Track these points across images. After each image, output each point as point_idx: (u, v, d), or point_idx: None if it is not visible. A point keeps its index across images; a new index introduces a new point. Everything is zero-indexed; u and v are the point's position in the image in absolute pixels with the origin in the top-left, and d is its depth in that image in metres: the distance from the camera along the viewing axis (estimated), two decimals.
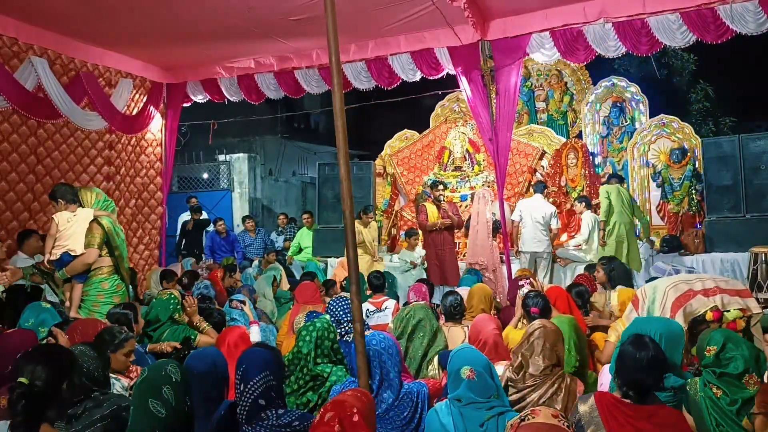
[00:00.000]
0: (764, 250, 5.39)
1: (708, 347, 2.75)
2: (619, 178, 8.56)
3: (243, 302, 5.31)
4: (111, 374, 3.02)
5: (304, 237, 9.84)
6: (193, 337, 4.48)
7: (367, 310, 5.29)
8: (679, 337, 3.00)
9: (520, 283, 5.05)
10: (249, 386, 2.43)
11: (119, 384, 3.04)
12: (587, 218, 8.10)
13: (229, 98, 8.42)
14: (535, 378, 2.85)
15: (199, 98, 8.68)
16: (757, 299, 5.14)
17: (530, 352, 2.91)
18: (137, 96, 8.45)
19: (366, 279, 6.14)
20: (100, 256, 5.26)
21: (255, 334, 4.79)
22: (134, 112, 8.40)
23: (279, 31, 7.11)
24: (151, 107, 8.54)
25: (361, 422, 2.09)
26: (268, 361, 2.49)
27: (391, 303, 5.61)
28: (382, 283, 5.82)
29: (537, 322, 3.07)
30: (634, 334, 2.51)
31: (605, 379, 2.90)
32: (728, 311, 3.67)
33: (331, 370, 3.34)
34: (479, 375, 2.57)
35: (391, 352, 2.95)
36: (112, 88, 8.02)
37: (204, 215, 10.64)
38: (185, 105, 8.86)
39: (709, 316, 3.59)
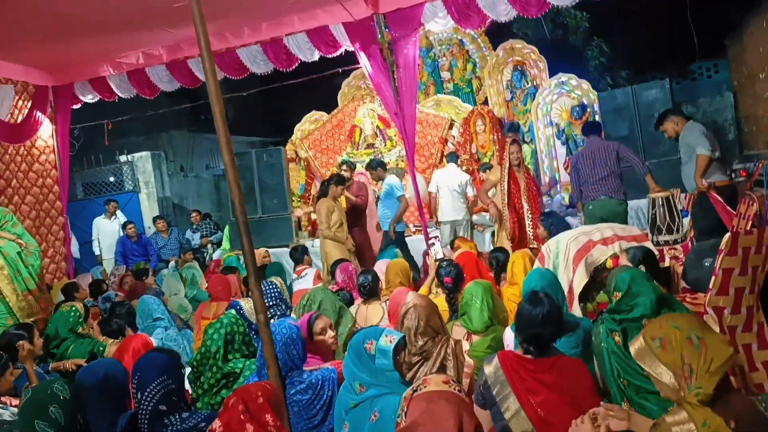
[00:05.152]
0: (661, 195, 5.63)
1: (615, 292, 2.72)
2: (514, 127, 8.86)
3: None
4: None
5: None
6: (102, 349, 4.29)
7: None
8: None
9: (431, 241, 5.05)
10: (146, 393, 2.31)
11: (8, 412, 2.85)
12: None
13: (121, 95, 7.99)
14: (420, 352, 2.79)
15: (89, 98, 8.19)
16: (658, 242, 5.41)
17: (406, 334, 2.82)
18: (21, 102, 7.91)
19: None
20: None
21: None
22: (19, 120, 7.88)
23: (164, 20, 6.78)
24: (38, 113, 8.00)
25: (265, 405, 2.04)
26: (164, 365, 2.38)
27: (311, 270, 5.92)
28: (300, 255, 6.36)
29: (409, 300, 2.99)
30: (530, 291, 2.56)
31: (509, 339, 2.95)
32: None
33: (243, 365, 3.26)
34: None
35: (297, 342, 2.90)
36: None
37: None
38: (75, 107, 8.37)
39: (609, 263, 3.73)
